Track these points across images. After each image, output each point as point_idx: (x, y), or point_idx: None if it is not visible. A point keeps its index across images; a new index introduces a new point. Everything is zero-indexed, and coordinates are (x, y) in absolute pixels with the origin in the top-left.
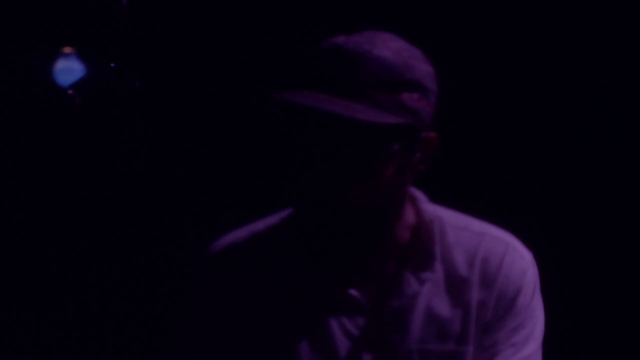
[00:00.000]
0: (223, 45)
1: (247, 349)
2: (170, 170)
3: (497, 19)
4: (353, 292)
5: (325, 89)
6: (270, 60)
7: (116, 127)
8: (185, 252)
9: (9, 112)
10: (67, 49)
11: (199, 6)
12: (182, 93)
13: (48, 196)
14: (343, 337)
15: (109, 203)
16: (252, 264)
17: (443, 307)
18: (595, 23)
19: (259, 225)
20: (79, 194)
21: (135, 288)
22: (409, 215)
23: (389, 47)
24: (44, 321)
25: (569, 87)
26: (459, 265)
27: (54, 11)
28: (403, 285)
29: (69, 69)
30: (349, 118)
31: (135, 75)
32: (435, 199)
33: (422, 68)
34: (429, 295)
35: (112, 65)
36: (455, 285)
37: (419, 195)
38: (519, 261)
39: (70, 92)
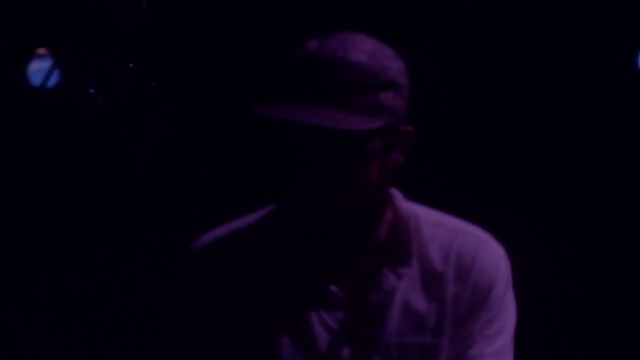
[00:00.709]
0: (237, 47)
1: (229, 342)
2: (186, 169)
3: (489, 17)
4: (333, 287)
5: (304, 99)
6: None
7: (133, 126)
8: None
9: (10, 113)
10: (42, 50)
11: (215, 7)
12: (197, 93)
13: (62, 196)
14: (323, 331)
15: (123, 202)
16: (234, 260)
17: (419, 301)
18: (582, 22)
19: (239, 222)
20: (94, 194)
21: (135, 288)
22: (387, 213)
23: (363, 49)
24: (57, 324)
25: (551, 84)
26: (434, 260)
27: (69, 12)
28: (381, 280)
29: (42, 70)
30: (332, 129)
31: (152, 75)
32: (413, 197)
33: (395, 66)
34: (406, 289)
35: (131, 65)
36: (431, 280)
37: (395, 192)
38: (492, 256)
39: (91, 91)
